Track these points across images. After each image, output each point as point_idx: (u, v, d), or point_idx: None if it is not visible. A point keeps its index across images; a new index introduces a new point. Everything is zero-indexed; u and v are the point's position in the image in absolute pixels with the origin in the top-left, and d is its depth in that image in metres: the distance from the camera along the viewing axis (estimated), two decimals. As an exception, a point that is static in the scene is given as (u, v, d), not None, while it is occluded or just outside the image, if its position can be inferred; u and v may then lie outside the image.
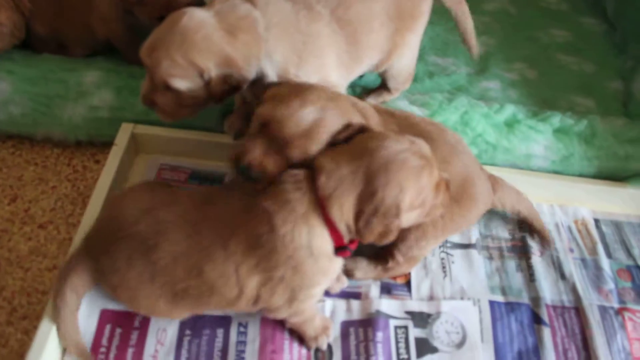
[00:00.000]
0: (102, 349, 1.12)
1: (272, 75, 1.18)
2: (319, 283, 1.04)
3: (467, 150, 1.25)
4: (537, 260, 1.37)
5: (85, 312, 1.16)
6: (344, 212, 0.97)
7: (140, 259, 1.03)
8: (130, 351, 1.12)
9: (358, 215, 0.97)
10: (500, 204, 1.35)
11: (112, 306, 1.17)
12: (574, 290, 1.33)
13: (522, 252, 1.39)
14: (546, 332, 1.26)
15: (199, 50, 1.09)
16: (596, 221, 1.49)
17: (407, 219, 1.02)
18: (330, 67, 1.25)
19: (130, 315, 1.16)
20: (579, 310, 1.30)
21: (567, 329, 1.27)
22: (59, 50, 1.56)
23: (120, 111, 1.46)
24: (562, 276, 1.36)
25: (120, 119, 1.45)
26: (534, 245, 1.40)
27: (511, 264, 1.36)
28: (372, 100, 1.52)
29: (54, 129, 1.49)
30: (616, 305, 1.33)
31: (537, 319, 1.28)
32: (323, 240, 0.99)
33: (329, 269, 1.03)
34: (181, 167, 1.44)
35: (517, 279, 1.33)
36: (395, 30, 1.33)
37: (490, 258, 1.37)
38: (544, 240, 1.40)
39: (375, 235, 0.99)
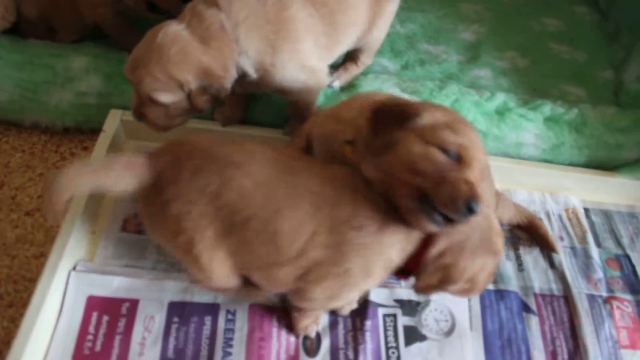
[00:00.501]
0: (89, 337, 1.11)
1: (251, 71, 1.20)
2: (363, 289, 1.03)
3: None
4: (526, 251, 1.38)
5: (72, 300, 1.14)
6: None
7: (213, 172, 0.97)
8: (117, 338, 1.11)
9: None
10: (499, 219, 1.34)
11: (99, 293, 1.16)
12: (563, 279, 1.34)
13: (511, 243, 1.39)
14: (534, 321, 1.26)
15: (176, 63, 1.12)
16: (586, 210, 1.50)
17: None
18: (307, 51, 1.25)
19: (117, 302, 1.15)
20: (567, 298, 1.31)
21: (555, 317, 1.28)
22: (47, 35, 1.54)
23: (108, 97, 1.44)
24: (552, 265, 1.36)
25: (108, 105, 1.43)
26: (522, 236, 1.40)
27: (501, 252, 1.36)
28: (344, 78, 1.50)
29: (41, 116, 1.47)
30: (604, 293, 1.33)
31: (526, 308, 1.28)
32: (400, 256, 0.98)
33: (382, 279, 1.01)
34: (170, 154, 1.43)
35: (506, 268, 1.33)
36: (373, 1, 1.33)
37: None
38: (549, 246, 1.38)
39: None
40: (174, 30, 1.13)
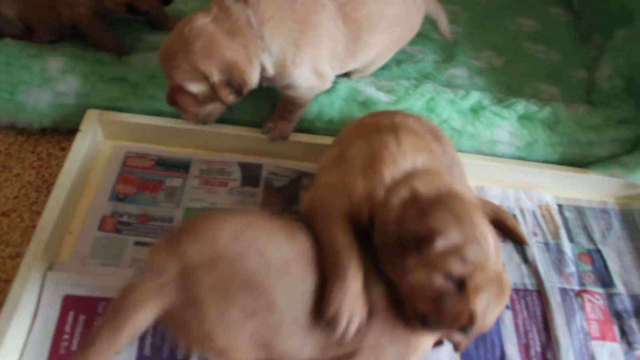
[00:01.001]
0: (65, 336, 1.11)
1: (269, 68, 1.25)
2: None
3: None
4: (501, 246, 1.40)
5: (48, 300, 1.14)
6: None
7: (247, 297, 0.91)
8: (94, 337, 1.12)
9: None
10: None
11: (75, 292, 1.16)
12: (536, 273, 1.36)
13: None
14: (508, 315, 1.29)
15: (201, 57, 1.18)
16: (559, 206, 1.53)
17: None
18: (323, 57, 1.31)
19: (94, 300, 1.15)
20: (540, 292, 1.33)
21: (528, 311, 1.30)
22: (25, 35, 1.53)
23: (86, 97, 1.44)
24: (525, 260, 1.39)
25: (86, 105, 1.43)
26: (497, 232, 1.43)
27: (475, 248, 1.39)
28: None
29: (18, 116, 1.46)
30: (576, 287, 1.36)
31: (499, 302, 1.31)
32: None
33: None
34: (148, 155, 1.43)
35: (481, 263, 1.36)
36: (396, 35, 1.44)
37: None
38: (519, 238, 1.41)
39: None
40: (201, 23, 1.19)
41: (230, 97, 1.24)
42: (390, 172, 1.03)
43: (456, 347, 1.03)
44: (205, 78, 1.20)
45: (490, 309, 0.97)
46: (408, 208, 0.98)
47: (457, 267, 0.92)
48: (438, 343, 1.06)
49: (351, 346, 0.97)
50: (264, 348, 0.94)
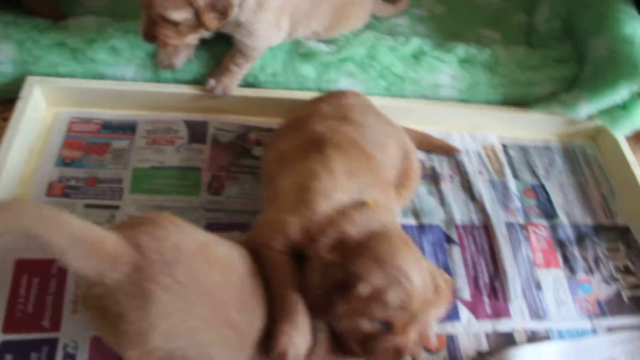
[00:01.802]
0: (21, 299, 1.11)
1: (251, 2, 1.27)
2: None
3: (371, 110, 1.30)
4: (448, 186, 1.45)
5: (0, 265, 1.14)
6: None
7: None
8: (49, 299, 1.12)
9: None
10: None
11: (27, 256, 1.16)
12: (482, 210, 1.42)
13: (433, 179, 1.46)
14: (456, 250, 1.34)
15: None
16: (504, 146, 1.58)
17: None
18: (286, 12, 1.37)
19: (47, 263, 1.16)
20: (487, 228, 1.39)
21: (476, 245, 1.36)
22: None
23: (24, 65, 1.41)
24: (472, 197, 1.44)
25: (26, 73, 1.40)
26: (444, 173, 1.47)
27: (423, 189, 1.43)
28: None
29: (-44, 89, 1.43)
30: (522, 220, 1.42)
31: (447, 239, 1.35)
32: None
33: None
34: (93, 119, 1.42)
35: (429, 203, 1.41)
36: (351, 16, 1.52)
37: (402, 184, 1.43)
38: (449, 149, 1.50)
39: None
40: None
41: (214, 22, 1.23)
42: (323, 208, 1.01)
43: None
44: (189, 3, 1.18)
45: (431, 318, 1.00)
46: (334, 253, 0.97)
47: (379, 312, 0.93)
48: None
49: None
50: None
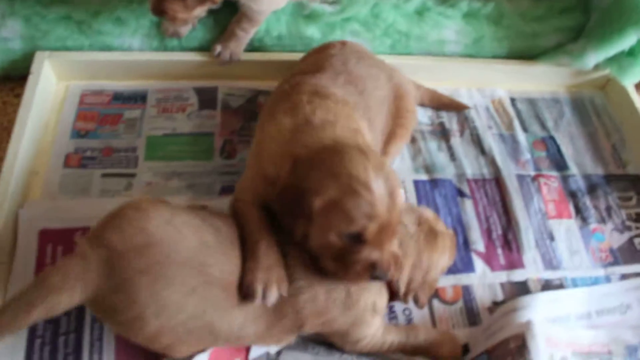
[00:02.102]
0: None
1: None
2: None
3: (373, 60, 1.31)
4: (457, 141, 1.46)
5: (24, 236, 1.16)
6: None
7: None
8: (74, 266, 1.15)
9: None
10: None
11: (50, 225, 1.18)
12: (493, 163, 1.43)
13: (442, 135, 1.47)
14: (468, 203, 1.35)
15: None
16: (512, 100, 1.58)
17: None
18: None
19: (70, 232, 1.18)
20: (498, 180, 1.40)
21: (488, 198, 1.37)
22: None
23: (32, 40, 1.42)
24: (482, 152, 1.45)
25: (34, 48, 1.41)
26: (453, 128, 1.48)
27: (433, 145, 1.44)
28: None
29: (-34, 68, 1.45)
30: (532, 172, 1.43)
31: (460, 193, 1.37)
32: (384, 299, 1.05)
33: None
34: (104, 91, 1.44)
35: (440, 158, 1.42)
36: None
37: (413, 141, 1.44)
38: (460, 106, 1.50)
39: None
40: None
41: None
42: (274, 148, 1.02)
43: (416, 303, 1.09)
44: None
45: (426, 256, 1.03)
46: (289, 175, 0.95)
47: (343, 225, 0.91)
48: (392, 298, 1.10)
49: (293, 315, 0.99)
50: (204, 330, 0.94)
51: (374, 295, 1.02)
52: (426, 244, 1.05)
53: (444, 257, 1.07)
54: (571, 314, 1.18)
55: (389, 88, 1.27)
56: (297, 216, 0.93)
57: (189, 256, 0.91)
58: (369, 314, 1.02)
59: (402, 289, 1.05)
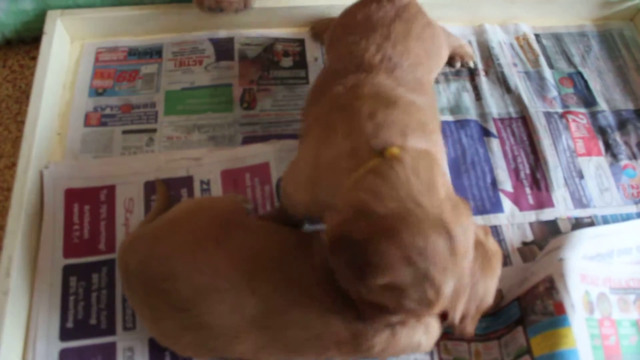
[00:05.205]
0: (76, 227, 1.15)
1: None
2: None
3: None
4: (483, 80, 1.41)
5: (50, 196, 1.17)
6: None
7: None
8: (102, 224, 1.16)
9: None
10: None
11: (75, 185, 1.19)
12: (519, 101, 1.38)
13: (466, 75, 1.43)
14: (495, 143, 1.32)
15: None
16: (537, 36, 1.52)
17: None
18: None
19: (95, 191, 1.19)
20: (525, 119, 1.36)
21: (515, 137, 1.34)
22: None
23: (43, 0, 1.40)
24: (508, 90, 1.40)
25: (45, 7, 1.39)
26: (478, 67, 1.44)
27: (456, 85, 1.40)
28: None
29: (-21, 31, 1.43)
30: (560, 110, 1.39)
31: (486, 132, 1.34)
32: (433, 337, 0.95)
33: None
34: (118, 47, 1.41)
35: (464, 99, 1.38)
36: None
37: (437, 82, 1.40)
38: (467, 56, 1.42)
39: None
40: None
41: None
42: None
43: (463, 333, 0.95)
44: None
45: (482, 285, 0.89)
46: (353, 223, 0.77)
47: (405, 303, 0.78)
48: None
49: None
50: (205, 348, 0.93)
51: (420, 334, 0.93)
52: (482, 271, 0.90)
53: (496, 279, 0.93)
54: (614, 250, 1.12)
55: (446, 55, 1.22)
56: (350, 276, 0.79)
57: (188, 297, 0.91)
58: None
59: (456, 323, 0.88)
